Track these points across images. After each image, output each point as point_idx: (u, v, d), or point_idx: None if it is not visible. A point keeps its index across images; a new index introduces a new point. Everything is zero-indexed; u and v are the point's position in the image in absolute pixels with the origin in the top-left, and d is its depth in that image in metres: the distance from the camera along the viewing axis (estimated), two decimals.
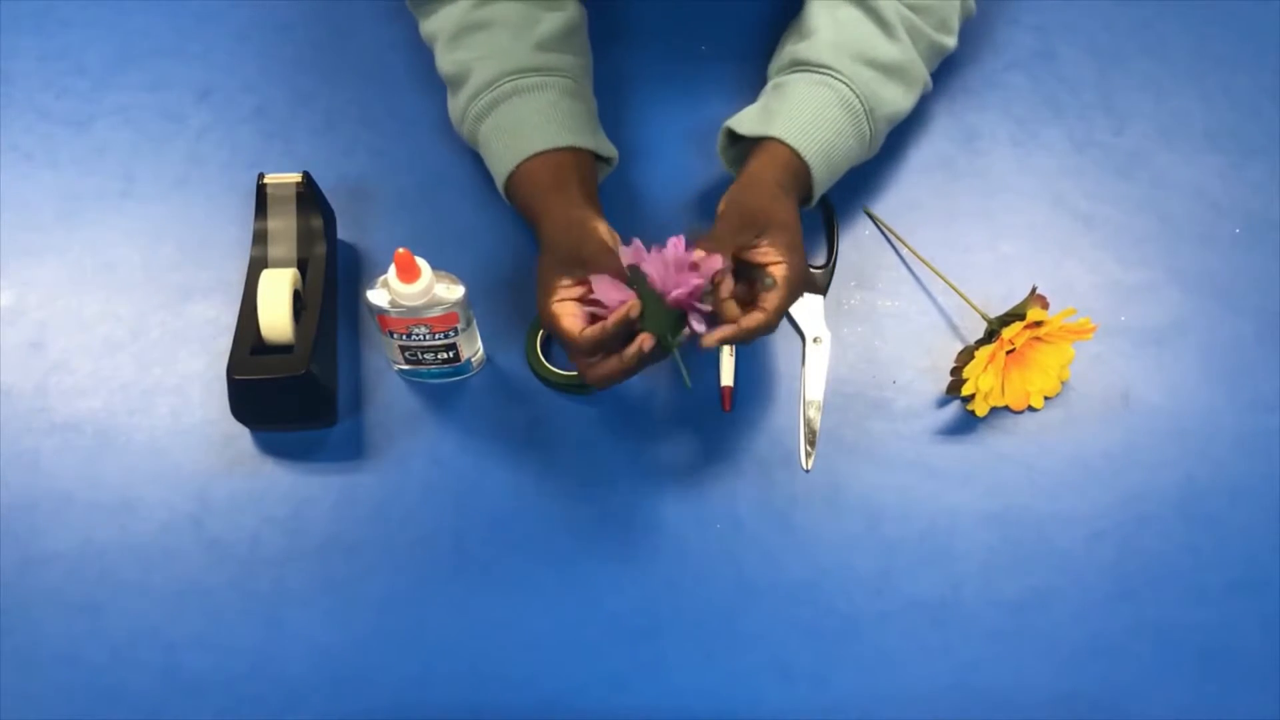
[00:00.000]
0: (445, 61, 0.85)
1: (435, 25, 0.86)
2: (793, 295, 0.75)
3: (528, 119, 0.82)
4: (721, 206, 0.77)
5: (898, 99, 0.84)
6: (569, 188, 0.80)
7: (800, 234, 0.77)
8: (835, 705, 0.76)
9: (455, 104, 0.86)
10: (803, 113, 0.80)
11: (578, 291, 0.76)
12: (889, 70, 0.83)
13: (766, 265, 0.75)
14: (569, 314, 0.75)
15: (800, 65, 0.83)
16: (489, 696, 0.77)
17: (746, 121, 0.82)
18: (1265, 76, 0.97)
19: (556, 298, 0.75)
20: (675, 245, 0.73)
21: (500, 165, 0.82)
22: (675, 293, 0.72)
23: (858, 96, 0.81)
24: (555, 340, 0.80)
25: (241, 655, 0.78)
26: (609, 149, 0.86)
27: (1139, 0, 1.01)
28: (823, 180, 0.81)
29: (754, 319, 0.73)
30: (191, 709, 0.76)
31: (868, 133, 0.83)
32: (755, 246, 0.75)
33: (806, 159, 0.79)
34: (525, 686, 0.77)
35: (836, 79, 0.81)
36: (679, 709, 0.76)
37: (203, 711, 0.76)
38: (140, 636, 0.78)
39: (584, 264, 0.75)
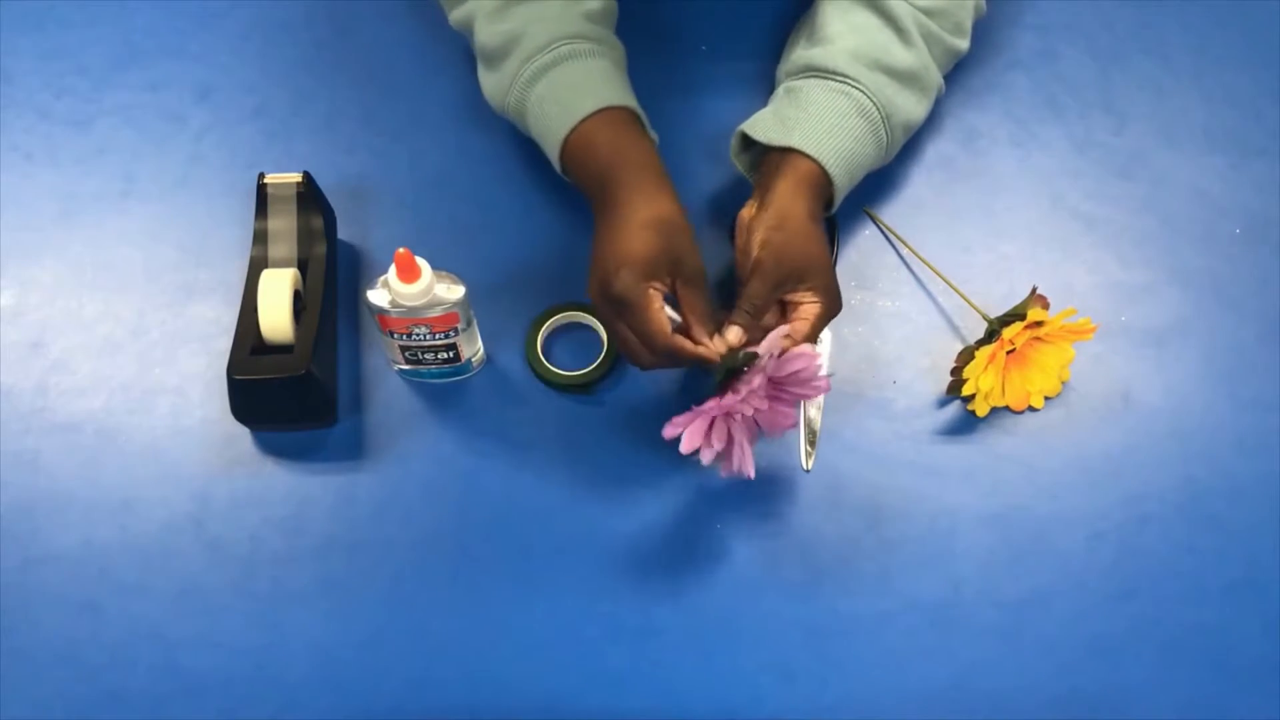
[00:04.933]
0: (489, 34, 0.83)
1: (472, 6, 0.84)
2: (821, 328, 0.78)
3: (590, 77, 0.80)
4: (756, 249, 0.77)
5: (913, 106, 0.84)
6: (643, 150, 0.79)
7: (833, 268, 0.79)
8: (835, 705, 0.76)
9: (499, 75, 0.83)
10: (822, 122, 0.80)
11: (662, 291, 0.76)
12: (904, 77, 0.83)
13: (801, 304, 0.77)
14: (659, 306, 0.75)
15: (815, 71, 0.83)
16: (489, 696, 0.77)
17: (762, 128, 0.82)
18: (1265, 76, 0.97)
19: (650, 284, 0.74)
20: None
21: (562, 121, 0.80)
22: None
23: (875, 104, 0.81)
24: (621, 318, 0.76)
25: (241, 655, 0.78)
26: (653, 132, 0.84)
27: (1139, 0, 1.01)
28: (844, 189, 0.82)
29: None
30: (191, 709, 0.76)
31: (885, 140, 0.83)
32: (794, 291, 0.77)
33: (829, 170, 0.79)
34: (525, 687, 0.77)
35: (854, 87, 0.81)
36: (679, 709, 0.76)
37: (203, 711, 0.76)
38: (140, 636, 0.78)
39: (680, 279, 0.76)
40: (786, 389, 0.76)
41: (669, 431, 0.72)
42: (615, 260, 0.74)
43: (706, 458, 0.73)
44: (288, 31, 0.99)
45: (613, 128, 0.79)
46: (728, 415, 0.75)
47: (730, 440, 0.75)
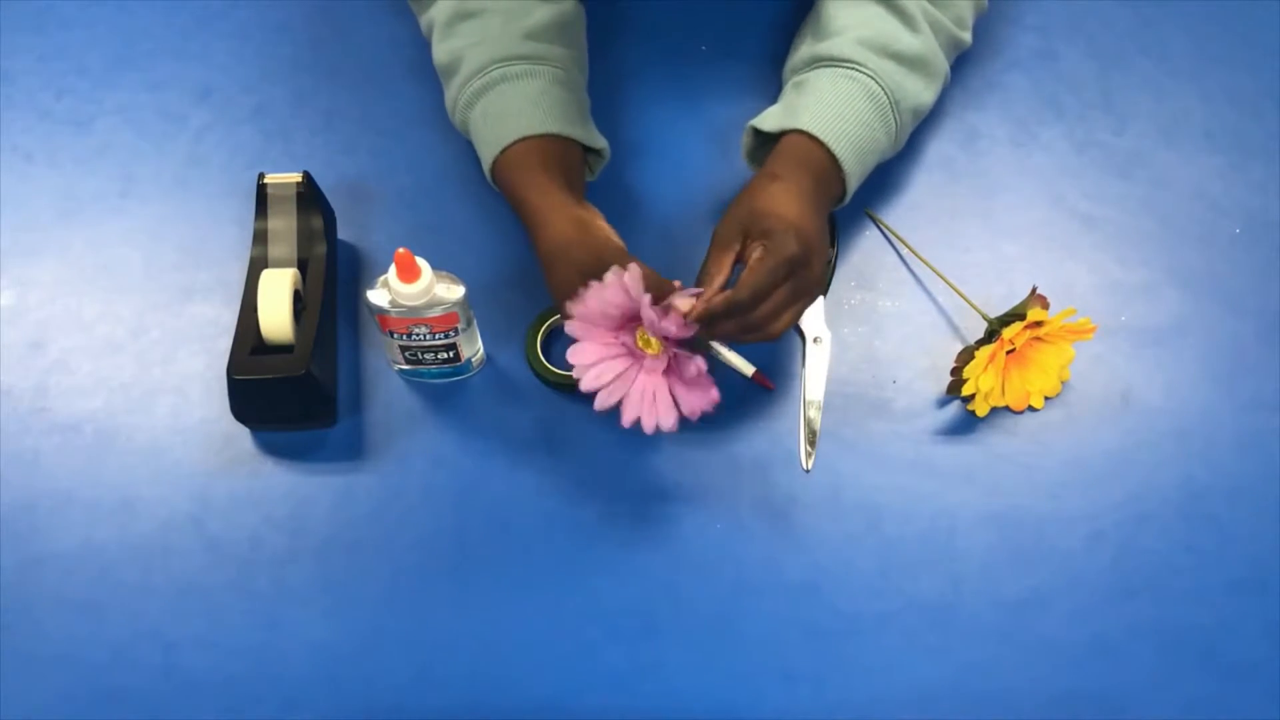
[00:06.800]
0: (439, 51, 0.85)
1: (431, 15, 0.86)
2: (770, 274, 0.71)
3: (513, 105, 0.81)
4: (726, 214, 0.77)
5: (920, 90, 0.84)
6: (554, 179, 0.79)
7: (800, 217, 0.73)
8: (835, 706, 0.76)
9: (449, 94, 0.85)
10: (828, 106, 0.80)
11: None
12: (911, 62, 0.83)
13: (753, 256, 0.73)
14: None
15: (822, 61, 0.83)
16: (489, 696, 0.77)
17: (771, 118, 0.82)
18: (1265, 76, 0.97)
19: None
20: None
21: (486, 151, 0.82)
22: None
23: (883, 88, 0.81)
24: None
25: (241, 655, 0.78)
26: (598, 140, 0.85)
27: (1139, 0, 1.01)
28: (854, 174, 0.80)
29: (724, 295, 0.71)
30: (191, 709, 0.76)
31: (894, 125, 0.82)
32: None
33: (835, 151, 0.78)
34: (525, 686, 0.77)
35: (860, 71, 0.81)
36: (679, 709, 0.76)
37: (203, 711, 0.76)
38: (140, 636, 0.78)
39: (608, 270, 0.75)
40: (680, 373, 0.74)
41: (572, 357, 0.75)
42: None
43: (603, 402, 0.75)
44: (287, 31, 0.99)
45: (520, 159, 0.80)
46: (638, 362, 0.75)
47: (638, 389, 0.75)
